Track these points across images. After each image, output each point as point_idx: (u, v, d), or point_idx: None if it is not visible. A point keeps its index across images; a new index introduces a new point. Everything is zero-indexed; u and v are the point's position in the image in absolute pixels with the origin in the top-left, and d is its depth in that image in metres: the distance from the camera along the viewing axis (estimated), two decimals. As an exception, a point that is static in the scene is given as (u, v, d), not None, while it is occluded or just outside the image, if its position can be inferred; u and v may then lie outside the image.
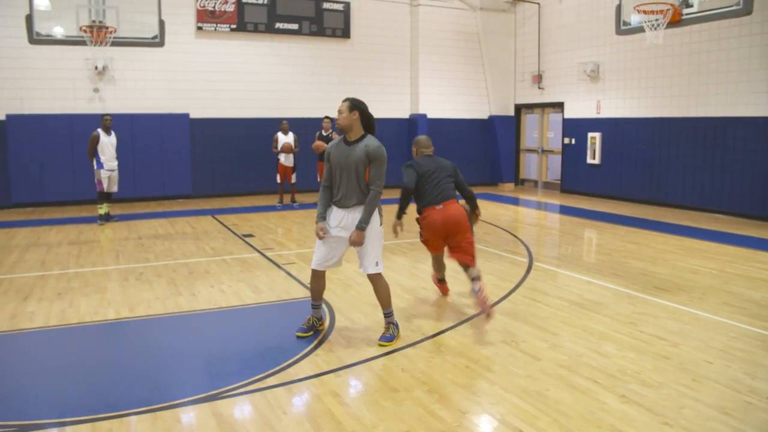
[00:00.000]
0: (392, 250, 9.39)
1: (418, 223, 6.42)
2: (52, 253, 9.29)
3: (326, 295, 6.85)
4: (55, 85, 14.27)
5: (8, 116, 13.83)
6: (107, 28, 11.01)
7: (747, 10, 11.91)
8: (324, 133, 13.87)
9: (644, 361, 4.99)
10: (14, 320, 6.09)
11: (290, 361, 4.96)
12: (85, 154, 12.00)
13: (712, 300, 6.75)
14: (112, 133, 11.85)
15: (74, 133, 14.11)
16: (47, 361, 5.15)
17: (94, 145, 11.58)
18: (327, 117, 13.97)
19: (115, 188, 11.98)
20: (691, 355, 5.12)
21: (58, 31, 11.87)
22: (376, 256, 5.30)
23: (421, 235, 6.49)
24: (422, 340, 5.46)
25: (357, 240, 5.19)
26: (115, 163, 11.84)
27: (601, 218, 12.61)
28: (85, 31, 10.99)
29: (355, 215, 5.24)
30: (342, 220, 5.30)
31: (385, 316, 5.53)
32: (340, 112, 5.26)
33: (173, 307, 6.53)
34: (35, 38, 11.12)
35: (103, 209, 11.86)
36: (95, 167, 11.66)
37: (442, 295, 7.01)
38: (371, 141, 5.25)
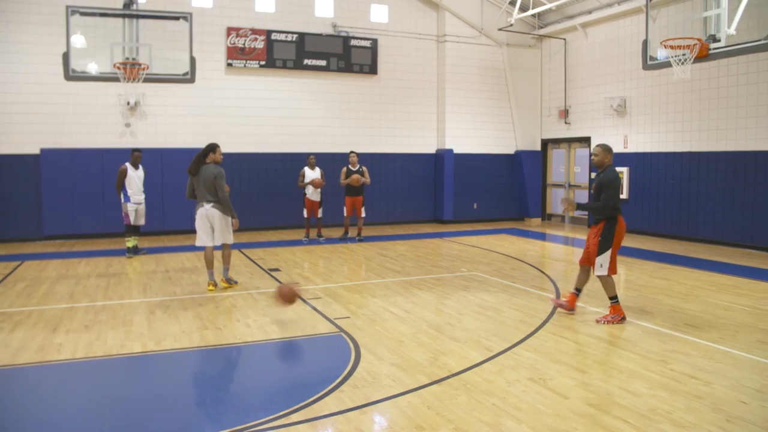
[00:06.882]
0: (418, 286, 9.35)
1: (603, 232, 7.45)
2: (80, 286, 9.40)
3: (351, 331, 6.83)
4: (89, 120, 14.62)
5: (43, 150, 14.16)
6: (140, 65, 11.26)
7: (775, 44, 11.80)
8: (352, 168, 13.97)
9: (676, 400, 4.87)
10: (42, 352, 6.15)
11: (315, 397, 4.93)
12: (115, 188, 12.20)
13: (746, 338, 6.59)
14: (140, 167, 12.03)
15: (105, 167, 14.38)
16: (74, 393, 5.17)
17: (122, 178, 11.75)
18: (353, 152, 14.10)
19: (141, 221, 12.10)
20: (724, 394, 4.99)
21: (93, 68, 12.20)
22: None
23: (608, 244, 7.36)
24: (448, 377, 5.40)
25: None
26: (141, 197, 11.98)
27: (629, 254, 12.44)
28: (118, 68, 11.25)
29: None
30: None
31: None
32: None
33: (199, 341, 6.55)
34: (71, 75, 11.39)
35: (130, 242, 12.00)
36: (122, 200, 11.81)
37: (571, 309, 7.59)
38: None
